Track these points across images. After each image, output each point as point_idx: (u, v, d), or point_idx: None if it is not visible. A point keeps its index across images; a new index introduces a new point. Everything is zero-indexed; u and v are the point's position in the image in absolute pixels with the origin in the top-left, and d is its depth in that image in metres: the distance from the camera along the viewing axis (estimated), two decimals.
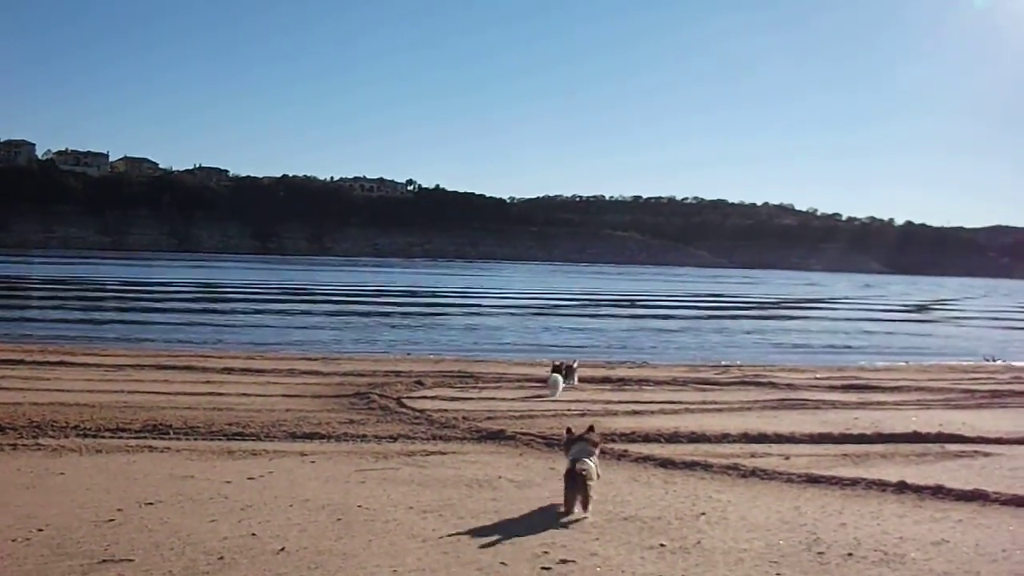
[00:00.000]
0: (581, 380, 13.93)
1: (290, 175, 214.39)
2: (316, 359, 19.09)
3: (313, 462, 7.66)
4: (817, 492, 6.53)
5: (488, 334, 33.26)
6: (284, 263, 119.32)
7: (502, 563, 5.13)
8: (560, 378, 13.12)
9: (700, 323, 44.11)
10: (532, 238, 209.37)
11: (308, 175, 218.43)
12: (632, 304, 58.21)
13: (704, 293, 74.81)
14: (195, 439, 8.68)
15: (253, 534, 5.59)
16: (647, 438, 8.90)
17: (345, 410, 10.69)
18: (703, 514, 5.99)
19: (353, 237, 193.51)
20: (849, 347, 33.40)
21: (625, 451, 8.07)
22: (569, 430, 6.63)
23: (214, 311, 39.97)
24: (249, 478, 7.06)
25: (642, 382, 14.96)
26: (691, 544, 5.50)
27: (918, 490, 6.51)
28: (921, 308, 63.66)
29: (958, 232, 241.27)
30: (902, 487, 6.57)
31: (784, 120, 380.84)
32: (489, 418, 10.19)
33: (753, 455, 8.11)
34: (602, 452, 7.90)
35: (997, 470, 7.44)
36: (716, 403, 12.22)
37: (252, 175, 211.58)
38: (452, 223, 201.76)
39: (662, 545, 5.46)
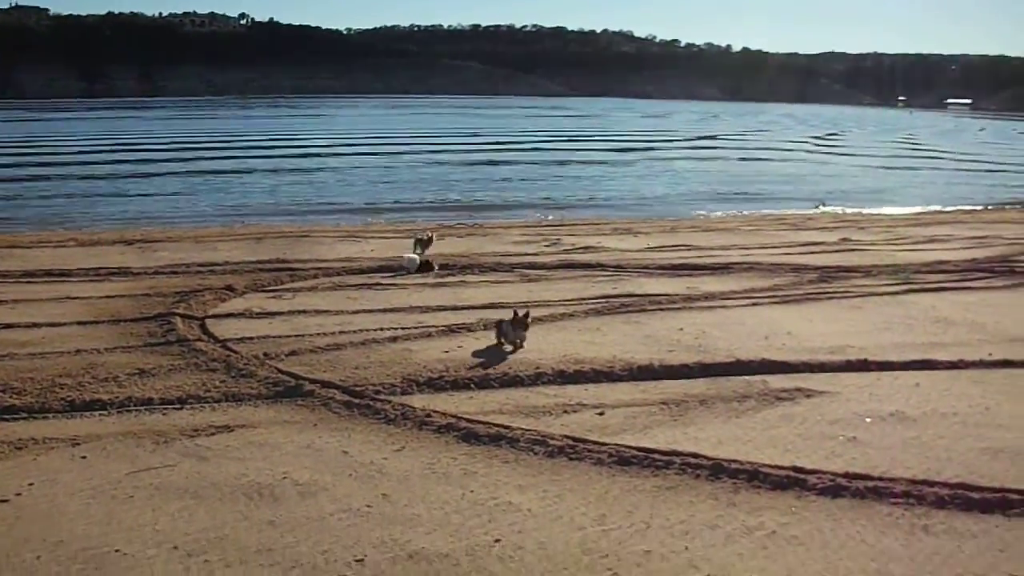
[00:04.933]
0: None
1: (116, 12, 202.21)
2: (133, 241, 18.01)
3: (84, 458, 6.66)
4: (627, 486, 6.01)
5: (324, 187, 32.69)
6: (113, 107, 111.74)
7: None
8: (417, 258, 14.35)
9: (547, 163, 43.73)
10: (371, 70, 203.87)
11: (135, 12, 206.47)
12: (481, 143, 57.41)
13: (550, 129, 74.34)
14: None
15: None
16: (456, 384, 8.24)
17: (140, 348, 9.66)
18: (497, 542, 5.31)
19: (186, 75, 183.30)
20: (690, 187, 33.65)
21: (428, 415, 7.36)
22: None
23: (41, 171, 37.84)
24: (3, 501, 5.97)
25: (466, 269, 14.45)
26: None
27: (734, 475, 6.10)
28: (772, 143, 64.75)
29: (794, 59, 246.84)
30: (718, 471, 6.14)
31: None
32: (293, 353, 9.34)
33: (566, 409, 7.56)
34: (403, 418, 7.37)
35: (816, 426, 7.13)
36: (538, 303, 11.62)
37: (75, 13, 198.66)
38: (288, 57, 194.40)
39: None
